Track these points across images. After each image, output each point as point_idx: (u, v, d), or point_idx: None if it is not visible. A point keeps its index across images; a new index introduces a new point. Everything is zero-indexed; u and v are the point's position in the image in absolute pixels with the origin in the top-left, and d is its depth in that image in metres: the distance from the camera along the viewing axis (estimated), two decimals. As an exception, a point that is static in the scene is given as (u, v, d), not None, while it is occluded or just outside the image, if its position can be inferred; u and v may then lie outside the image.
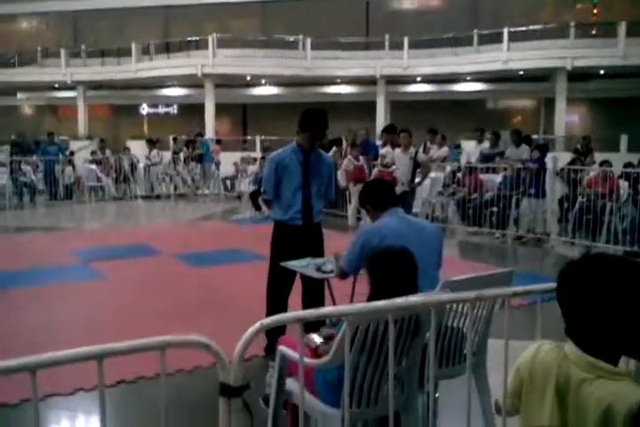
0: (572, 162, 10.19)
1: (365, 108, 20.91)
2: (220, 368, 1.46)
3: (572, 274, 1.50)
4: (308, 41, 19.87)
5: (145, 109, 25.64)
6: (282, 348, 2.74)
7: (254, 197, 11.45)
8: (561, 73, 18.18)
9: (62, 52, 21.84)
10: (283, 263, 3.99)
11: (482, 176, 9.86)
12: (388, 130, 9.43)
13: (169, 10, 23.44)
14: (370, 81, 20.43)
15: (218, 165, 15.42)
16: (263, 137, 17.94)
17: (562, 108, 18.69)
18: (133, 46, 20.94)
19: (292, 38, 20.46)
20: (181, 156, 15.24)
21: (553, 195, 9.03)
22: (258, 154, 15.45)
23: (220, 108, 20.92)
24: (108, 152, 15.22)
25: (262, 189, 4.37)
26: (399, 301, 1.98)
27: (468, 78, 20.94)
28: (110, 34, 23.11)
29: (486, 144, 10.69)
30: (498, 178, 9.64)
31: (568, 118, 19.68)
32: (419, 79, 21.23)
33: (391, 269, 2.68)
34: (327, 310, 2.19)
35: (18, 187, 13.35)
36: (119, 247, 8.40)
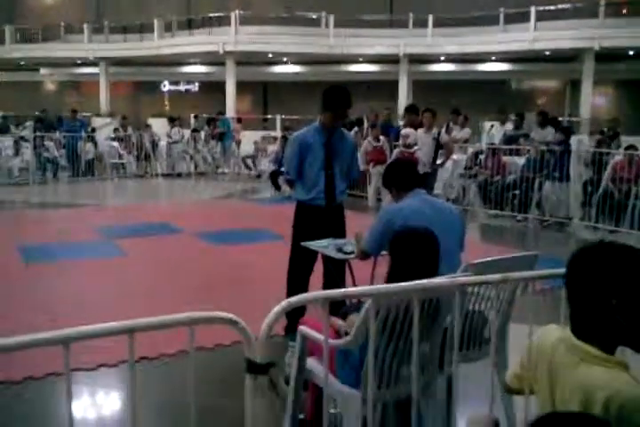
0: (598, 145, 10.03)
1: (387, 88, 20.71)
2: (245, 345, 1.47)
3: (581, 260, 1.50)
4: (331, 18, 19.63)
5: (166, 87, 25.63)
6: (303, 328, 2.75)
7: (274, 176, 11.45)
8: (589, 53, 17.78)
9: (85, 27, 21.84)
10: (304, 243, 3.99)
11: (505, 158, 9.75)
12: (410, 110, 9.33)
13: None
14: (392, 60, 20.18)
15: (238, 143, 15.41)
16: (284, 116, 17.87)
17: (588, 90, 18.32)
18: (156, 23, 20.87)
19: (314, 16, 20.23)
20: (202, 134, 15.25)
21: (578, 178, 8.91)
22: (278, 133, 15.41)
23: (241, 86, 20.85)
24: (129, 129, 15.27)
25: (285, 170, 4.36)
26: (424, 282, 1.97)
27: (493, 58, 20.59)
28: (133, 10, 23.03)
29: (509, 126, 10.55)
30: (521, 160, 9.52)
31: (594, 100, 19.31)
32: (442, 58, 20.93)
33: (414, 249, 2.66)
34: (353, 290, 2.20)
35: (41, 163, 13.49)
36: (141, 225, 8.47)
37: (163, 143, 14.93)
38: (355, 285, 4.15)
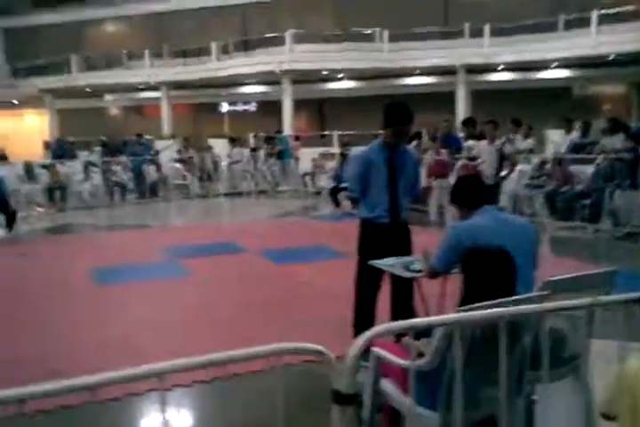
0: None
1: (444, 99, 20.49)
2: (332, 377, 1.45)
3: None
4: (385, 33, 19.64)
5: (225, 107, 26.17)
6: (376, 349, 2.71)
7: (334, 193, 11.47)
8: (654, 55, 17.14)
9: (146, 53, 22.60)
10: (371, 262, 3.95)
11: (572, 167, 9.45)
12: (467, 123, 9.21)
13: (246, 7, 23.79)
14: (449, 71, 19.99)
15: (297, 160, 15.55)
16: (341, 132, 17.93)
17: (656, 94, 17.64)
18: (213, 46, 21.39)
19: (368, 31, 20.29)
20: (261, 153, 15.47)
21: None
22: (336, 149, 15.45)
23: (298, 104, 21.07)
24: (191, 151, 15.65)
25: (348, 188, 4.33)
26: (510, 309, 1.89)
27: (554, 65, 20.11)
28: (191, 34, 23.71)
29: (575, 134, 10.23)
30: (589, 169, 9.21)
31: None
32: (500, 67, 20.59)
33: (488, 269, 2.60)
34: (437, 318, 2.15)
35: (109, 186, 13.96)
36: (206, 244, 8.61)
37: (224, 163, 15.22)
38: (424, 303, 4.07)
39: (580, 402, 2.81)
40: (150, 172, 14.37)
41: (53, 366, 4.06)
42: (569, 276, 2.82)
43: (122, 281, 6.56)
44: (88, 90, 24.32)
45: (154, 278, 6.67)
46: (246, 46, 22.61)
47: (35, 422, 2.87)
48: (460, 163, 8.73)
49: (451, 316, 2.00)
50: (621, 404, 1.51)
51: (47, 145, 19.62)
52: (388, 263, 3.89)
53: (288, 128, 19.59)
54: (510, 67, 20.26)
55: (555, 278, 2.72)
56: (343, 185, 10.27)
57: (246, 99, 25.63)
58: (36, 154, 21.83)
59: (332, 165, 13.80)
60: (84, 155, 15.84)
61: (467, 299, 2.61)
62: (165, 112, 23.16)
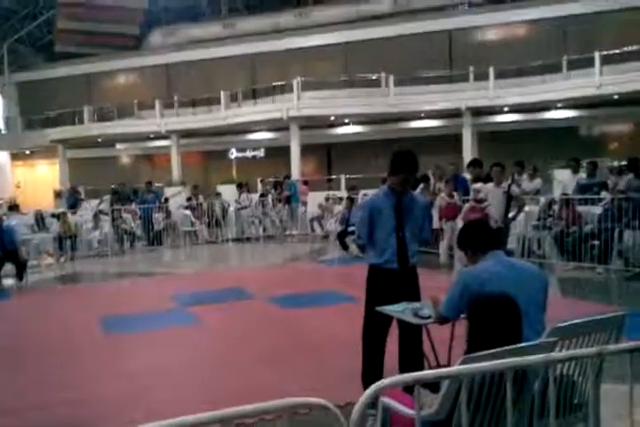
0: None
1: (450, 142, 20.69)
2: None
3: None
4: (391, 78, 20.03)
5: (233, 154, 26.53)
6: (384, 399, 2.67)
7: (342, 236, 11.47)
8: (658, 94, 17.29)
9: (157, 103, 23.12)
10: (379, 308, 3.92)
11: (579, 208, 9.44)
12: (474, 164, 9.25)
13: (255, 57, 24.41)
14: (454, 113, 20.25)
15: (305, 204, 15.63)
16: (348, 176, 18.07)
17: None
18: (222, 94, 21.86)
19: (374, 76, 20.71)
20: (269, 198, 15.58)
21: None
22: (343, 193, 15.55)
23: (305, 149, 21.34)
24: (200, 198, 15.80)
25: (356, 234, 4.35)
26: (517, 360, 1.87)
27: (559, 106, 20.34)
28: (201, 84, 24.27)
29: (582, 174, 10.26)
30: (597, 209, 9.19)
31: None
32: (506, 109, 20.85)
33: (493, 317, 2.61)
34: (444, 371, 2.13)
35: (119, 234, 14.05)
36: (214, 291, 8.59)
37: (232, 209, 15.33)
38: (434, 350, 4.02)
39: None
40: (159, 219, 14.48)
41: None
42: (577, 321, 2.79)
43: (130, 330, 6.53)
44: (99, 139, 24.79)
45: (162, 327, 6.63)
46: (254, 95, 23.08)
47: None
48: (467, 205, 8.73)
49: (456, 368, 1.98)
50: None
51: (58, 194, 19.86)
52: (398, 309, 3.87)
53: (296, 173, 19.78)
54: (515, 108, 20.51)
55: (562, 325, 2.69)
56: (351, 229, 10.29)
57: (255, 145, 26.00)
58: (47, 202, 22.15)
59: (339, 208, 13.85)
60: (93, 203, 16.00)
61: (473, 346, 2.60)
62: (175, 160, 23.50)
